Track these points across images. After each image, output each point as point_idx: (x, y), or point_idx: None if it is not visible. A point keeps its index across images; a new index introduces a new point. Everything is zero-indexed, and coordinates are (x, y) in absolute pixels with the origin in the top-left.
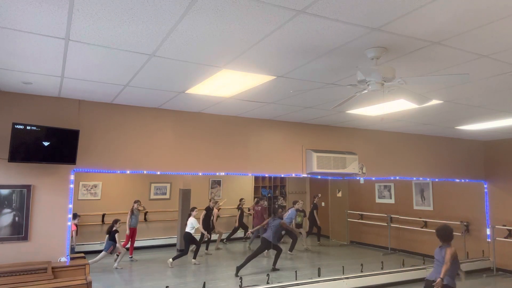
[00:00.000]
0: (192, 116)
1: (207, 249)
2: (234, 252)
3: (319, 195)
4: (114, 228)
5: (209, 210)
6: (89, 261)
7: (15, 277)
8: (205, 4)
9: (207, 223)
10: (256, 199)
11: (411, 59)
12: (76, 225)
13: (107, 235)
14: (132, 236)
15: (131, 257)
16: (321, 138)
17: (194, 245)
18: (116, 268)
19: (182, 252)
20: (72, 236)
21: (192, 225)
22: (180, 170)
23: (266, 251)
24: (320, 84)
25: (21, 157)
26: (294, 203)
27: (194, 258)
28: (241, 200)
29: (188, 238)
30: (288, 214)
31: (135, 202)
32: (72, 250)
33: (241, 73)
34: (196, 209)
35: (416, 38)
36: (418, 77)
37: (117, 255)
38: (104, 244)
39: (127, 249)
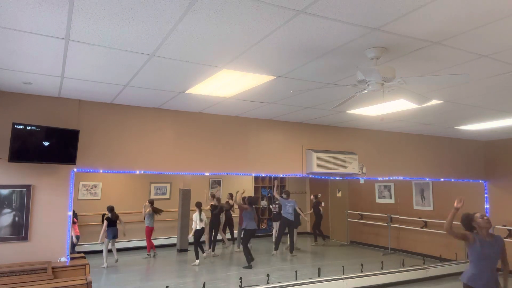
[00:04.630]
0: (192, 116)
1: (213, 250)
2: (235, 252)
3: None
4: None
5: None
6: (116, 256)
7: (15, 277)
8: (205, 4)
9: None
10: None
11: (411, 59)
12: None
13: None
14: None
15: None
16: (321, 138)
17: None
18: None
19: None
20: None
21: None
22: (180, 170)
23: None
24: (320, 84)
25: (21, 157)
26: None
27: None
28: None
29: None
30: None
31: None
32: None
33: (241, 73)
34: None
35: (416, 38)
36: (418, 77)
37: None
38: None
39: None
